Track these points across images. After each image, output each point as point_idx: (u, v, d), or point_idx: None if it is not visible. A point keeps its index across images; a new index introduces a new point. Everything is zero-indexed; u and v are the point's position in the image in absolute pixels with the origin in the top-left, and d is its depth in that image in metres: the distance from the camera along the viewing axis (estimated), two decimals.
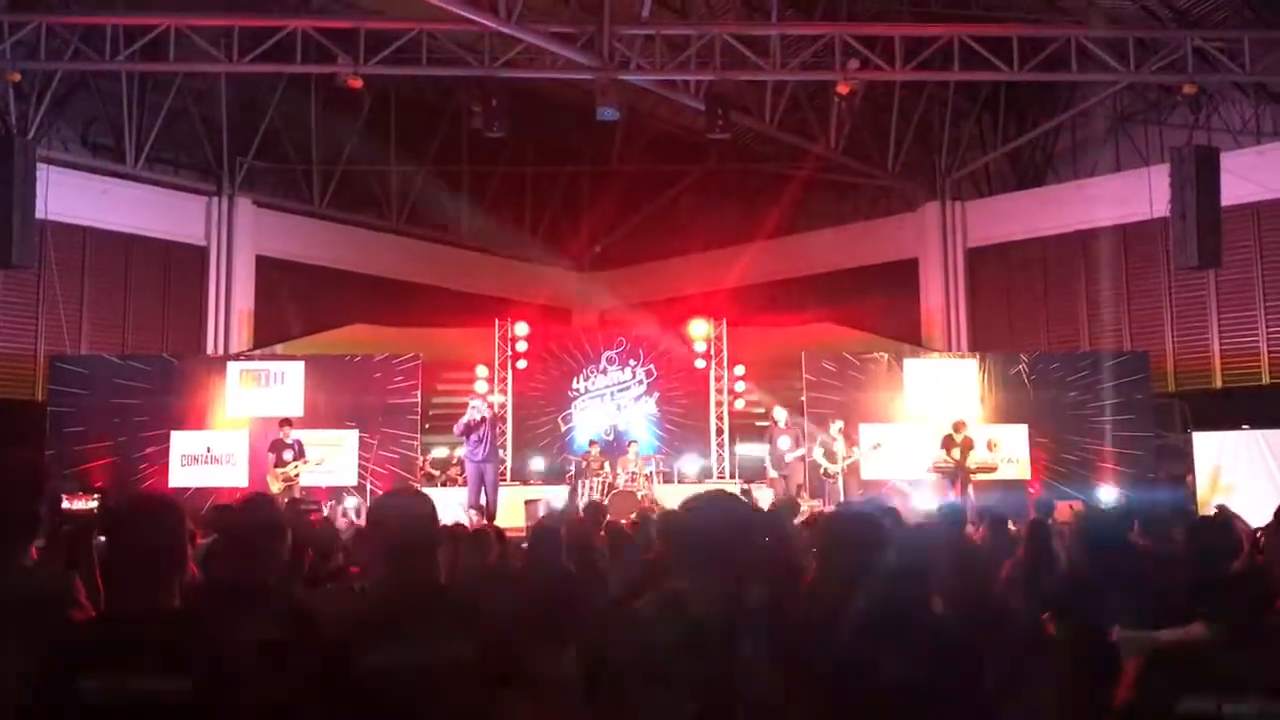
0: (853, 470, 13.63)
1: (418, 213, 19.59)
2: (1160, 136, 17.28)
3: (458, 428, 12.87)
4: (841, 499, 12.70)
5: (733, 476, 15.52)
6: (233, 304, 17.53)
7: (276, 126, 17.55)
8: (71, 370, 14.29)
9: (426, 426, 15.03)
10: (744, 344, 16.62)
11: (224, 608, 2.80)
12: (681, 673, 2.39)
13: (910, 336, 18.08)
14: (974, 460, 13.16)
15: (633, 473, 13.78)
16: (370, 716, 2.47)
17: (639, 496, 13.01)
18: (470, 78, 14.18)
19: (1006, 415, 14.61)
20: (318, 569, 5.32)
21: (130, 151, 16.47)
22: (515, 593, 4.63)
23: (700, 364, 16.32)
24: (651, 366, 16.50)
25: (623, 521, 8.00)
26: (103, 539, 2.95)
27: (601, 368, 16.51)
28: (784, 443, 13.80)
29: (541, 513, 12.08)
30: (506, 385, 16.19)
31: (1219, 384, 16.24)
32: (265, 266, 17.95)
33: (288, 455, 12.78)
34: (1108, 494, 13.45)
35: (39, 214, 12.25)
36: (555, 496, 13.73)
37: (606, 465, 14.00)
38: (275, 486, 12.38)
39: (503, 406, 15.65)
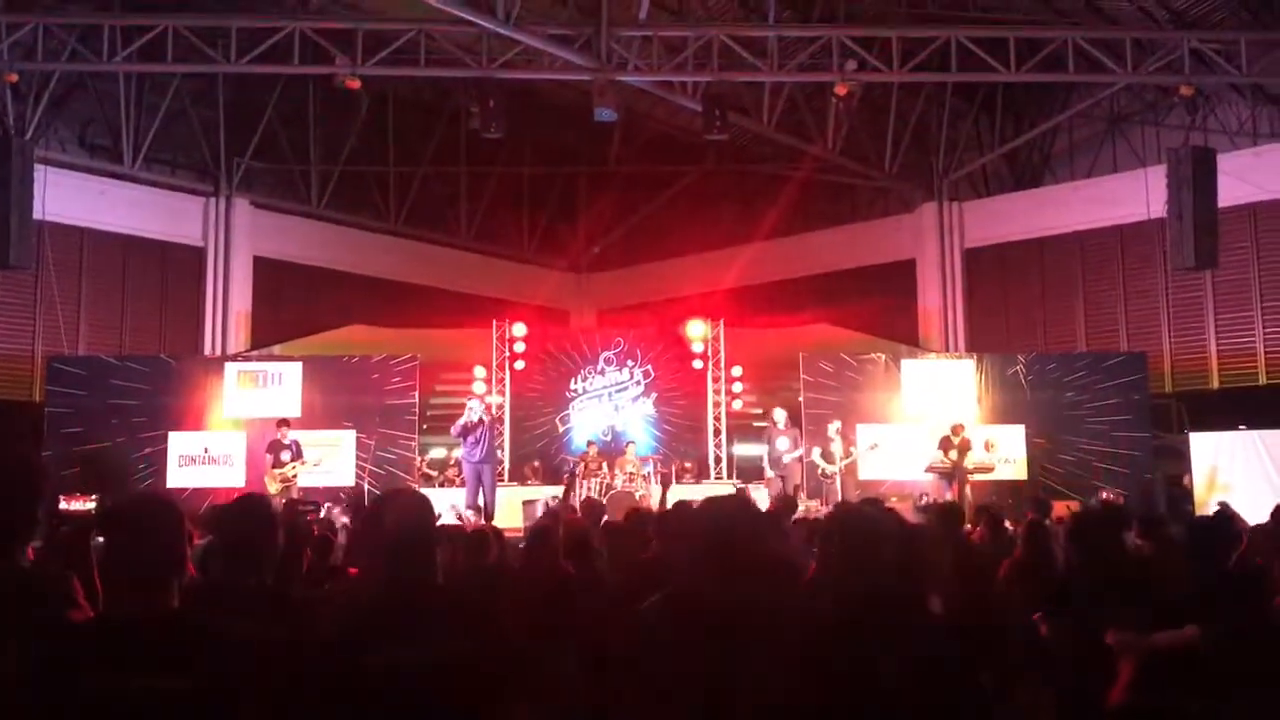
0: (850, 471, 13.65)
1: (416, 213, 19.58)
2: (1157, 137, 17.31)
3: (455, 429, 12.86)
4: (839, 499, 12.71)
5: (730, 477, 15.54)
6: (230, 304, 17.51)
7: (274, 127, 17.54)
8: (69, 371, 14.28)
9: (424, 427, 15.01)
10: (741, 345, 16.64)
11: (222, 608, 2.80)
12: (682, 672, 2.39)
13: (907, 337, 18.09)
14: (971, 461, 13.19)
15: (630, 473, 13.80)
16: (369, 717, 2.47)
17: (637, 497, 13.02)
18: (468, 79, 14.19)
19: (1004, 416, 14.62)
20: (316, 569, 5.33)
21: (128, 152, 16.45)
22: (513, 593, 4.63)
23: (698, 365, 16.34)
24: (649, 367, 16.52)
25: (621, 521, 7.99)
26: (101, 540, 2.95)
27: (599, 368, 16.53)
28: (782, 443, 13.83)
29: (540, 513, 12.07)
30: (504, 386, 16.19)
31: (1216, 384, 16.25)
32: (263, 267, 17.93)
33: (285, 456, 12.77)
34: (1105, 495, 13.46)
35: (36, 215, 12.25)
36: (553, 497, 13.72)
37: (604, 466, 14.02)
38: (273, 487, 12.37)
39: (500, 407, 15.66)
